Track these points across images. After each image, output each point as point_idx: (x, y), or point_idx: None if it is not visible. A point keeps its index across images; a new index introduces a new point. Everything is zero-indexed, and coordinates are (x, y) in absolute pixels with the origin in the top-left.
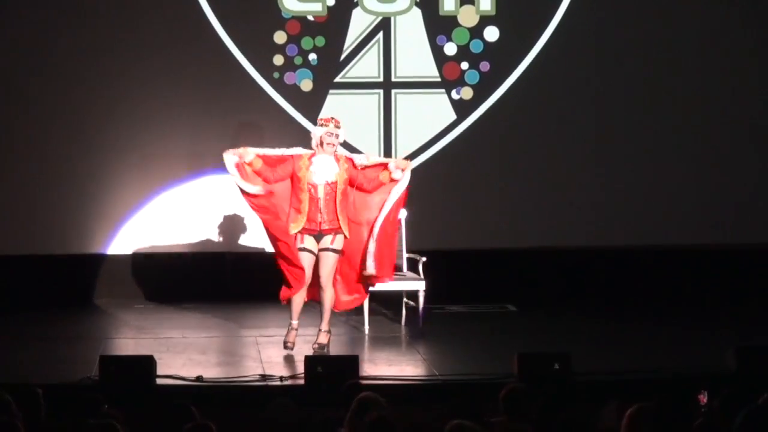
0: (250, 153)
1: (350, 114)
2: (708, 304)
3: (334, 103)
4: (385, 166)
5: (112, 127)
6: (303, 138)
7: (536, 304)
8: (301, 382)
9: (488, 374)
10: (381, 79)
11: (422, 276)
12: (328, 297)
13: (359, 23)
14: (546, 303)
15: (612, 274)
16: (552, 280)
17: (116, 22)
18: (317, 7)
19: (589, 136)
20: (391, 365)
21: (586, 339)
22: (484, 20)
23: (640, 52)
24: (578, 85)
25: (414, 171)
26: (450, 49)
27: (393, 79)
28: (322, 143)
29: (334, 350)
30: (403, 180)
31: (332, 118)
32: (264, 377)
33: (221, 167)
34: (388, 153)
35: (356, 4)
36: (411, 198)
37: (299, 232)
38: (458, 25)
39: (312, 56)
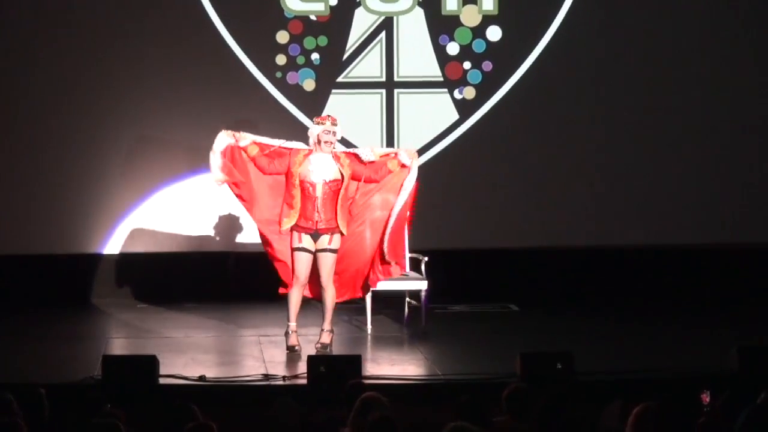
0: (247, 138)
1: (353, 114)
2: (709, 304)
3: (336, 103)
4: (394, 155)
5: (113, 127)
6: (305, 138)
7: (539, 303)
8: (304, 381)
9: (491, 374)
10: (383, 79)
11: (425, 276)
12: (330, 296)
13: (362, 23)
14: (548, 303)
15: (614, 273)
16: (554, 280)
17: (117, 22)
18: (320, 6)
19: (590, 135)
20: (394, 365)
21: (589, 339)
22: (487, 20)
23: (642, 51)
24: (580, 85)
25: (417, 170)
26: (452, 48)
27: (395, 79)
28: (319, 141)
29: (337, 350)
30: (413, 169)
31: (329, 116)
32: (266, 377)
33: None
34: None
35: (359, 4)
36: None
37: (296, 230)
38: (461, 24)
39: (314, 56)
